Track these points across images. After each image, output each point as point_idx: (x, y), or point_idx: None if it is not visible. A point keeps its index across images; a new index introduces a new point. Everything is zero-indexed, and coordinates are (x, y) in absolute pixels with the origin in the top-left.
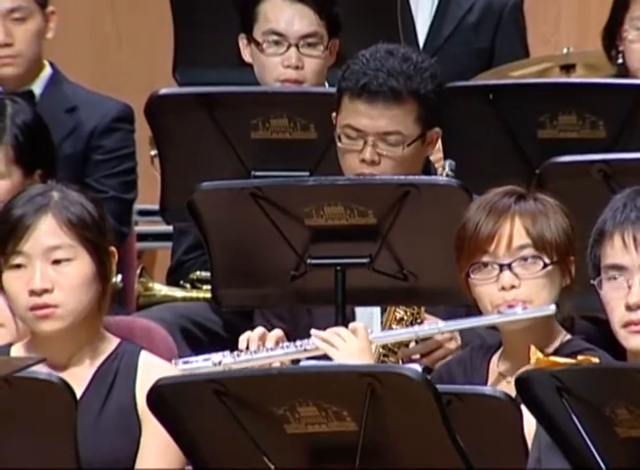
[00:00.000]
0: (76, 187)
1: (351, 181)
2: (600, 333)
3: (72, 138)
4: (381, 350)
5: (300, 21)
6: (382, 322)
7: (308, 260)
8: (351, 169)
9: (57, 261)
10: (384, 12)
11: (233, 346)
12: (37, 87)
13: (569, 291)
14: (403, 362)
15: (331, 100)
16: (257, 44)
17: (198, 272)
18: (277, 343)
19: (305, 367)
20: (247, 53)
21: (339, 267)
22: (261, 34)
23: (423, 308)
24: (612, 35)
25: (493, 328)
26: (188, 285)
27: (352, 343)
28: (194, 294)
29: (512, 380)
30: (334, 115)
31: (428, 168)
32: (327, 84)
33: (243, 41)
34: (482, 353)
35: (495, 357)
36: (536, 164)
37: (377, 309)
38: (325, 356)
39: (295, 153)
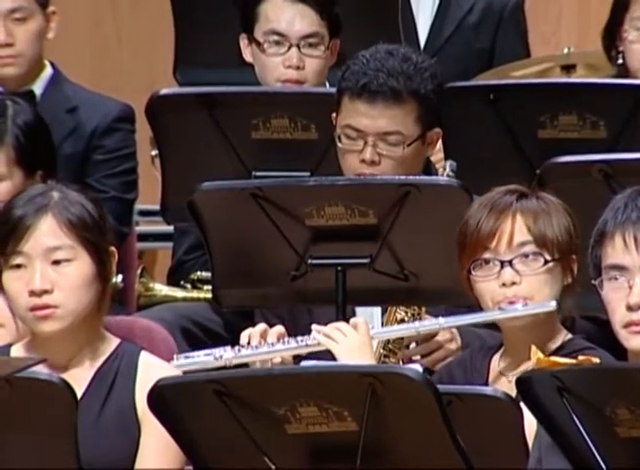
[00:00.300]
0: (76, 187)
1: (352, 181)
2: (601, 333)
3: (73, 138)
4: (381, 350)
5: (302, 21)
6: (382, 323)
7: (309, 261)
8: (351, 170)
9: (57, 262)
10: (384, 12)
11: (233, 345)
12: (38, 87)
13: (570, 290)
14: (403, 363)
15: (332, 100)
16: (258, 44)
17: (198, 272)
18: (278, 338)
19: (306, 367)
20: (247, 53)
21: (339, 267)
22: (262, 34)
23: (424, 309)
24: (612, 36)
25: (494, 328)
26: (188, 285)
27: (353, 337)
28: (194, 294)
29: (512, 379)
30: (334, 115)
31: (428, 169)
32: (328, 84)
33: (244, 41)
34: (483, 354)
35: (496, 358)
36: (537, 164)
37: (377, 310)
38: (326, 353)
39: (295, 153)
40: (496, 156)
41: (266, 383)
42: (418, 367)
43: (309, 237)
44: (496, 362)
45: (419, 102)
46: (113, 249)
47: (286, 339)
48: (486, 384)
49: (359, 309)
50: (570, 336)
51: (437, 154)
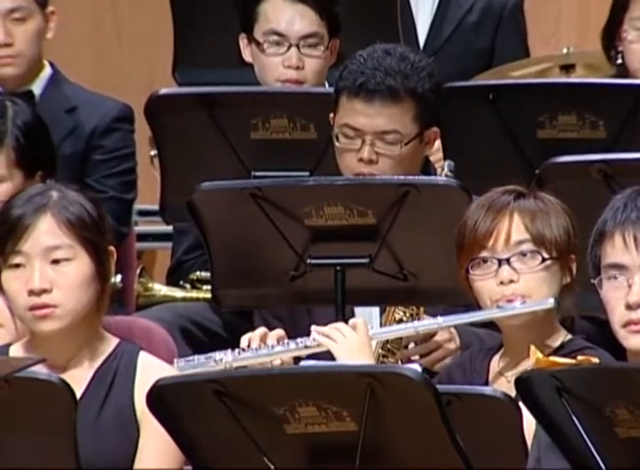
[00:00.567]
0: (75, 187)
1: (351, 181)
2: (600, 333)
3: (72, 138)
4: (380, 351)
5: (301, 21)
6: (381, 323)
7: (308, 261)
8: (349, 169)
9: (56, 261)
10: (383, 12)
11: (233, 346)
12: (37, 87)
13: (569, 289)
14: (402, 363)
15: (331, 100)
16: (258, 44)
17: (197, 272)
18: (278, 341)
19: (305, 367)
20: (247, 53)
21: (338, 267)
22: (262, 34)
23: (422, 309)
24: (611, 36)
25: (494, 328)
26: (188, 285)
27: (352, 338)
28: (194, 294)
29: (511, 378)
30: (331, 115)
31: (427, 169)
32: (327, 84)
33: (243, 41)
34: (482, 356)
35: (496, 358)
36: (536, 164)
37: (376, 310)
38: (325, 354)
39: (294, 153)
40: (495, 156)
41: (265, 383)
42: (417, 367)
43: (308, 237)
44: (496, 363)
45: (416, 101)
46: (112, 248)
47: (285, 341)
48: (486, 385)
49: (358, 309)
50: (570, 336)
51: (437, 154)
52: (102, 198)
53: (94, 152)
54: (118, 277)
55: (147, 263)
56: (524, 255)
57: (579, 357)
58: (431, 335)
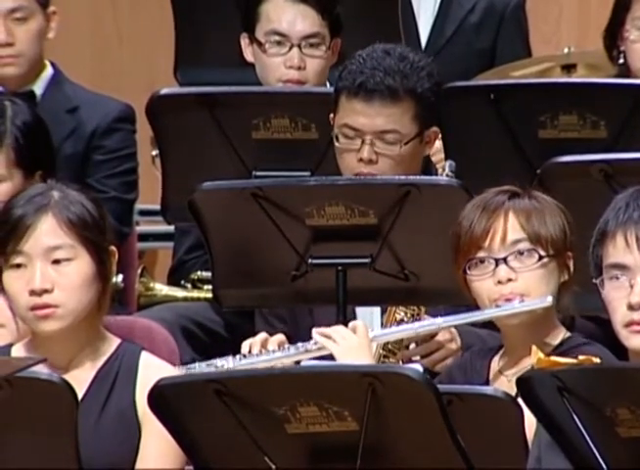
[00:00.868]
0: (76, 187)
1: (352, 181)
2: (602, 333)
3: (73, 138)
4: (381, 351)
5: (303, 21)
6: (382, 323)
7: (309, 260)
8: (349, 169)
9: (57, 261)
10: (385, 12)
11: (234, 345)
12: (38, 87)
13: (567, 287)
14: (403, 363)
15: (332, 100)
16: (260, 44)
17: (199, 272)
18: (279, 346)
19: (306, 367)
20: (248, 52)
21: (340, 267)
22: (264, 34)
23: (423, 309)
24: (613, 35)
25: (495, 329)
26: (189, 285)
27: (352, 340)
28: (195, 294)
29: (511, 377)
30: (331, 115)
31: (428, 169)
32: (328, 84)
33: (245, 41)
34: (482, 356)
35: (496, 358)
36: (537, 164)
37: (377, 311)
38: (326, 357)
39: (296, 153)
40: (496, 156)
41: (266, 383)
42: (418, 367)
43: (310, 237)
44: (496, 363)
45: (416, 100)
46: (113, 248)
47: (286, 346)
48: (486, 385)
49: (359, 309)
50: (569, 334)
51: (438, 154)
52: (103, 198)
53: (95, 152)
54: (120, 277)
55: (148, 263)
56: (520, 253)
57: (581, 357)
58: (432, 335)
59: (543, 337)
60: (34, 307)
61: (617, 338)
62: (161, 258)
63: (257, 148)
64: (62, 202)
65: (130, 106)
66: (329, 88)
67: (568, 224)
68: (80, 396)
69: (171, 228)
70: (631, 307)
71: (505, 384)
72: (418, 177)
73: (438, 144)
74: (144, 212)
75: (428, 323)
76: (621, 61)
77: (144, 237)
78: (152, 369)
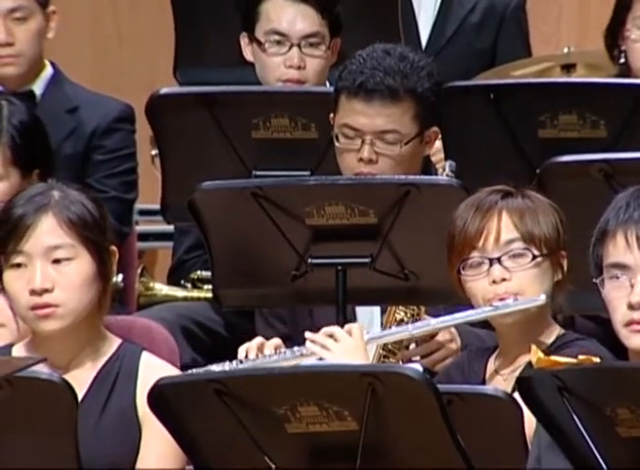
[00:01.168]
0: (77, 186)
1: (352, 181)
2: (602, 332)
3: (73, 138)
4: (381, 351)
5: (303, 21)
6: (382, 323)
7: (309, 260)
8: (349, 169)
9: (57, 261)
10: (385, 12)
11: (234, 345)
12: (38, 87)
13: (561, 285)
14: (403, 363)
15: (332, 99)
16: (259, 44)
17: (199, 272)
18: (275, 350)
19: (306, 367)
20: (248, 52)
21: (339, 267)
22: (263, 34)
23: (423, 309)
24: (614, 35)
25: (491, 328)
26: (189, 285)
27: (347, 342)
28: (195, 293)
29: (507, 376)
30: (331, 115)
31: (428, 169)
32: (328, 84)
33: (244, 40)
34: (480, 356)
35: (492, 358)
36: (537, 163)
37: (377, 310)
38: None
39: (295, 152)
40: (496, 155)
41: (266, 382)
42: (418, 367)
43: (310, 236)
44: (492, 363)
45: (416, 100)
46: (113, 248)
47: (282, 350)
48: (483, 384)
49: (359, 309)
50: (563, 331)
51: (438, 154)
52: (103, 198)
53: (95, 152)
54: (119, 277)
55: (148, 263)
56: (514, 253)
57: (580, 357)
58: (432, 335)
59: (537, 335)
60: (35, 307)
61: (617, 337)
62: (161, 257)
63: (257, 148)
64: (62, 201)
65: (130, 106)
66: (329, 88)
67: (561, 223)
68: (81, 396)
69: (171, 228)
70: (631, 307)
71: (501, 383)
72: (418, 177)
73: (438, 144)
74: (144, 212)
75: (422, 325)
76: (622, 60)
77: (144, 237)
78: (152, 370)
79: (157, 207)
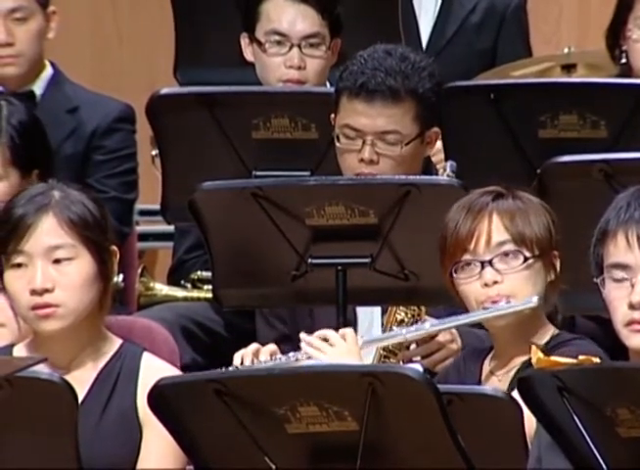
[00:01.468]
0: (77, 186)
1: (352, 181)
2: (602, 332)
3: (73, 138)
4: (381, 352)
5: (303, 21)
6: (382, 324)
7: (309, 260)
8: (350, 169)
9: (58, 261)
10: (385, 12)
11: (234, 345)
12: (38, 87)
13: (554, 286)
14: (404, 364)
15: (332, 100)
16: (260, 44)
17: (199, 272)
18: (271, 356)
19: (306, 367)
20: (248, 52)
21: (340, 267)
22: (264, 34)
23: (423, 309)
24: (615, 35)
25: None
26: (189, 285)
27: (341, 346)
28: (195, 294)
29: (502, 377)
30: (332, 115)
31: (428, 169)
32: (328, 84)
33: (245, 40)
34: (475, 356)
35: (488, 359)
36: (537, 163)
37: (378, 311)
38: None
39: (296, 153)
40: (497, 155)
41: (266, 383)
42: (418, 367)
43: (310, 237)
44: (487, 364)
45: (417, 101)
46: (114, 248)
47: (278, 356)
48: (479, 385)
49: (360, 309)
50: (557, 331)
51: (438, 154)
52: (103, 198)
53: (95, 152)
54: (120, 277)
55: (148, 263)
56: (506, 255)
57: (581, 357)
58: (432, 336)
59: (531, 336)
60: (35, 307)
61: (617, 337)
62: (161, 257)
63: (257, 148)
64: (63, 201)
65: (130, 106)
66: (329, 88)
67: (552, 223)
68: (82, 396)
69: (171, 228)
70: (632, 307)
71: (496, 384)
72: (418, 177)
73: (439, 144)
74: (144, 212)
75: (416, 328)
76: (624, 60)
77: (144, 237)
78: (153, 371)
79: (157, 207)
